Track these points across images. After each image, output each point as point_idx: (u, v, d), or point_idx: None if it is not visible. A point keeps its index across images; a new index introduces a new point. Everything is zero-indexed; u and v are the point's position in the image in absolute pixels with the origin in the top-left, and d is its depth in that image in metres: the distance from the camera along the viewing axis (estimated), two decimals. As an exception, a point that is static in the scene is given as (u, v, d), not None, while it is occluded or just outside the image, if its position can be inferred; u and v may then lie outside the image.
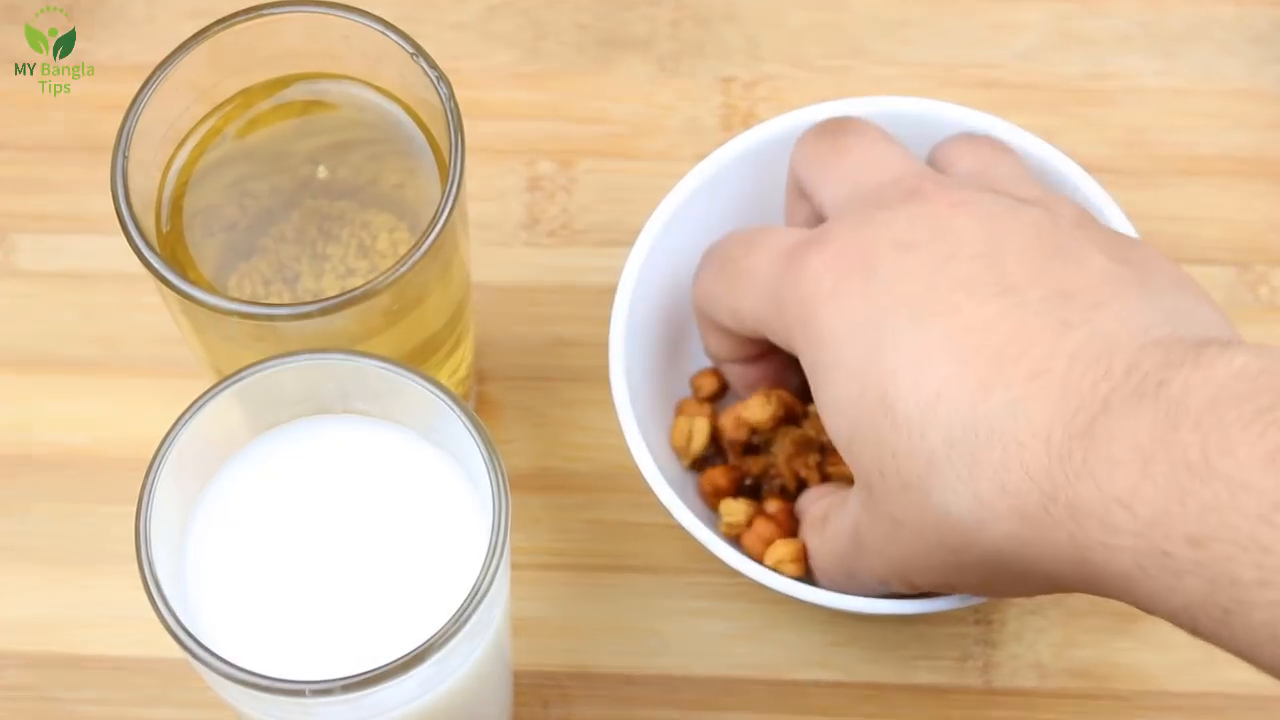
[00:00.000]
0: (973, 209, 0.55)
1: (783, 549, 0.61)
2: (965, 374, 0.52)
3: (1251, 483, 0.45)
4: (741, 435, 0.63)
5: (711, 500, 0.64)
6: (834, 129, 0.61)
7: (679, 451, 0.64)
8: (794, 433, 0.63)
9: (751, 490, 0.64)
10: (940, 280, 0.54)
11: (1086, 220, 0.56)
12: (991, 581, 0.54)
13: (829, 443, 0.63)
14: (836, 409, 0.55)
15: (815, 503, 0.62)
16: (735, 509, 0.62)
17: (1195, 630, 0.48)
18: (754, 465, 0.64)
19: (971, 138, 0.62)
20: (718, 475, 0.63)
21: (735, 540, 0.63)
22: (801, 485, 0.63)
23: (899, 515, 0.54)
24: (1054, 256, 0.54)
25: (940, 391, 0.52)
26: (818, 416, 0.62)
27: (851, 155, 0.59)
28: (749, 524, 0.63)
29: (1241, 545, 0.45)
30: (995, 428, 0.51)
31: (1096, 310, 0.52)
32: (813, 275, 0.56)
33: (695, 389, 0.65)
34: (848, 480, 0.62)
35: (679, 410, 0.65)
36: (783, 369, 0.64)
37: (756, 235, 0.60)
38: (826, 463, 0.63)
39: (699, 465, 0.64)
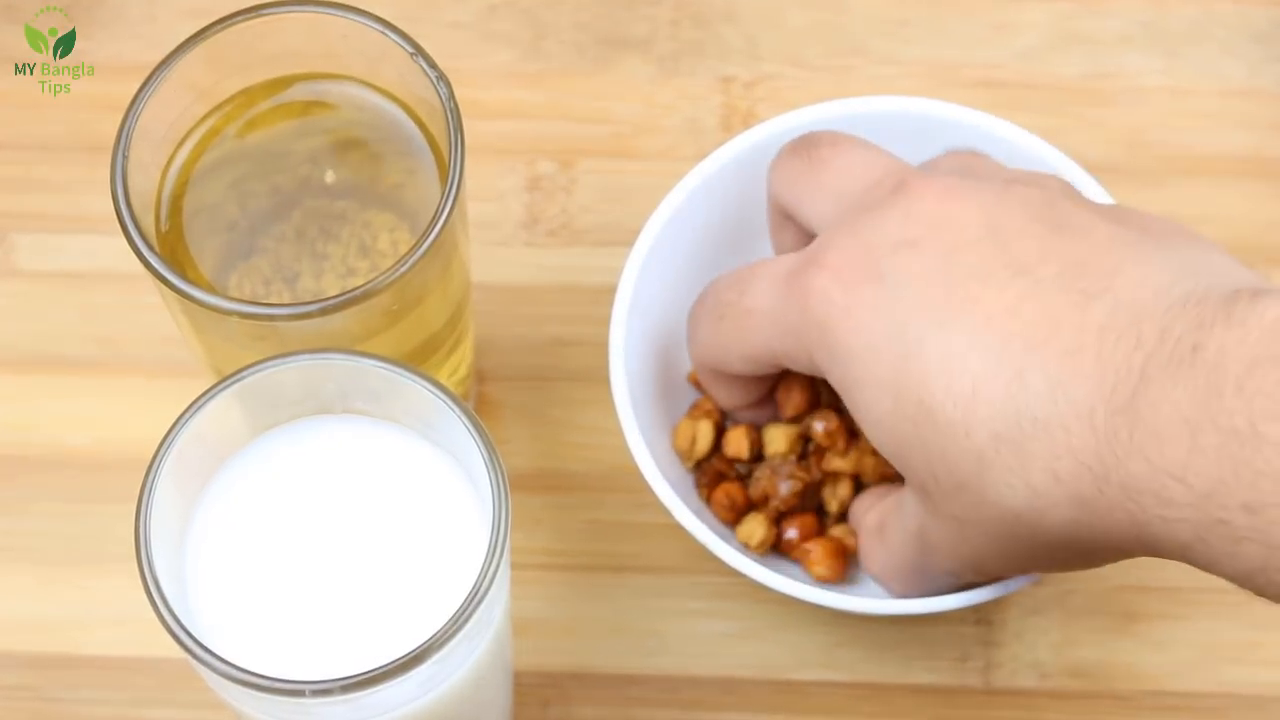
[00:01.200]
0: (962, 195, 0.55)
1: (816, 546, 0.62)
2: (998, 366, 0.52)
3: None
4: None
5: (727, 516, 0.63)
6: (806, 145, 0.60)
7: (681, 454, 0.64)
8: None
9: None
10: (951, 273, 0.53)
11: (1071, 191, 0.56)
12: (1065, 559, 0.54)
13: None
14: (877, 423, 0.54)
15: (868, 512, 0.61)
16: (753, 530, 0.62)
17: (1259, 592, 0.48)
18: (762, 476, 0.63)
19: (953, 151, 0.62)
20: (734, 491, 0.63)
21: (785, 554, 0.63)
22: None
23: (960, 515, 0.54)
24: (1055, 230, 0.54)
25: (975, 388, 0.52)
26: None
27: (829, 166, 0.59)
28: (793, 541, 0.63)
29: None
30: (1038, 416, 0.51)
31: (1114, 276, 0.52)
32: (820, 294, 0.55)
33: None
34: (892, 476, 0.62)
35: (688, 413, 0.65)
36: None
37: (745, 273, 0.59)
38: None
39: (701, 467, 0.64)
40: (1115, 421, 0.49)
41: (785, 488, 0.62)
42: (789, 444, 0.62)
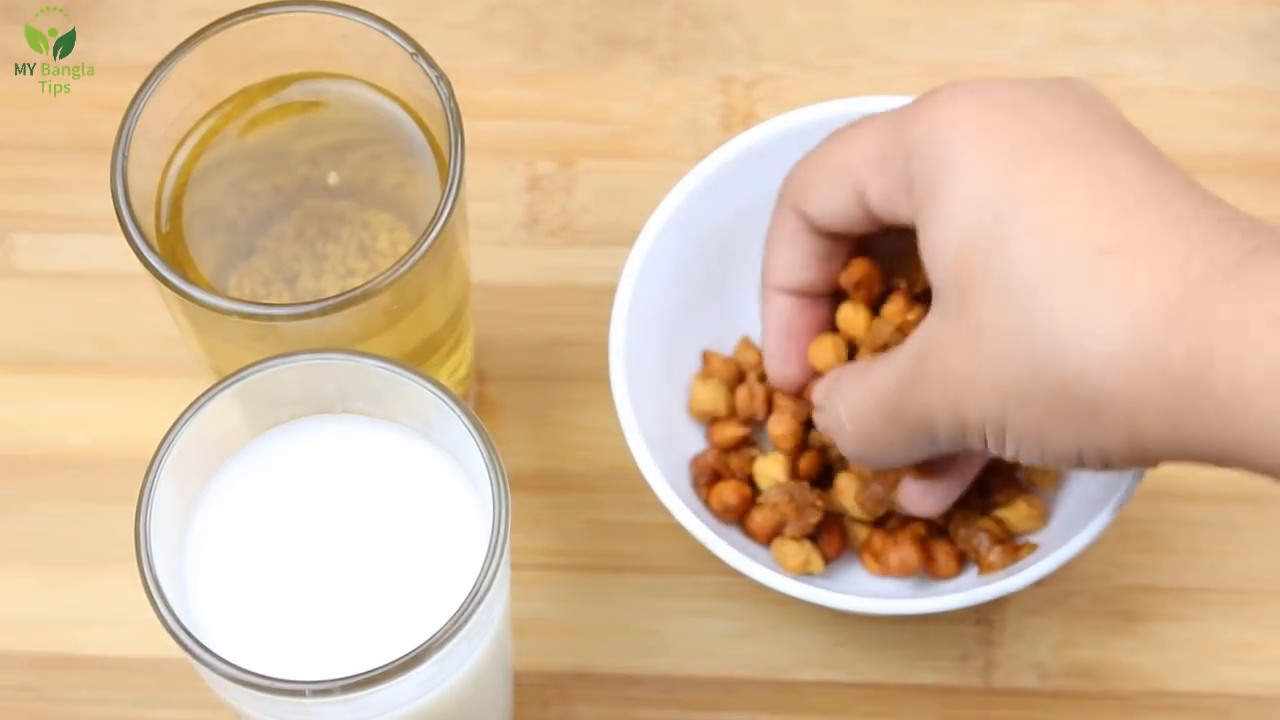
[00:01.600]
0: (1086, 85, 0.56)
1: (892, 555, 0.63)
2: (1097, 210, 0.51)
3: None
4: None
5: (724, 518, 0.63)
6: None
7: (698, 403, 0.64)
8: None
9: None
10: (1083, 131, 0.53)
11: None
12: (1048, 424, 0.52)
13: None
14: (949, 223, 0.53)
15: (844, 373, 0.59)
16: (793, 552, 0.62)
17: None
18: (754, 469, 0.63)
19: None
20: (727, 494, 0.63)
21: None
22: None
23: (991, 322, 0.52)
24: (1149, 155, 0.54)
25: (1070, 213, 0.51)
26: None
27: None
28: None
29: None
30: (1128, 249, 0.50)
31: (1220, 205, 0.52)
32: (947, 99, 0.55)
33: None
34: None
35: (706, 367, 0.65)
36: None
37: (860, 119, 0.58)
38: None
39: (698, 463, 0.64)
40: (1212, 272, 0.49)
41: (791, 530, 0.62)
42: (784, 472, 0.62)
